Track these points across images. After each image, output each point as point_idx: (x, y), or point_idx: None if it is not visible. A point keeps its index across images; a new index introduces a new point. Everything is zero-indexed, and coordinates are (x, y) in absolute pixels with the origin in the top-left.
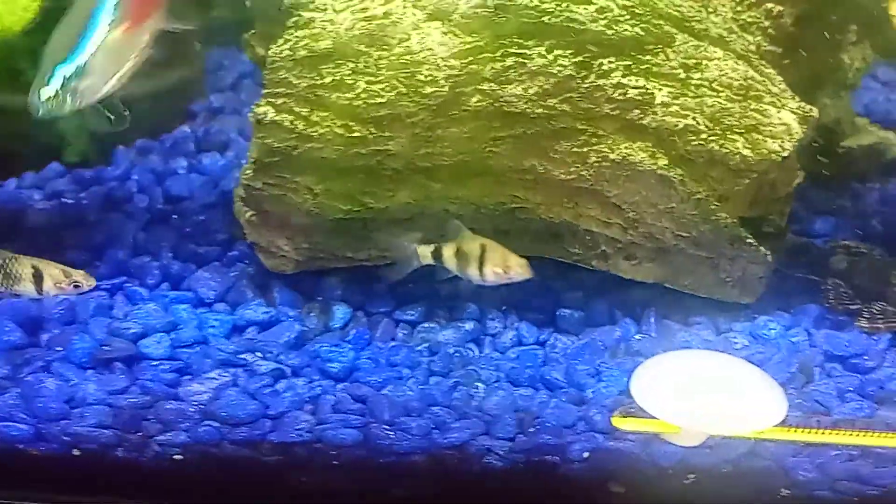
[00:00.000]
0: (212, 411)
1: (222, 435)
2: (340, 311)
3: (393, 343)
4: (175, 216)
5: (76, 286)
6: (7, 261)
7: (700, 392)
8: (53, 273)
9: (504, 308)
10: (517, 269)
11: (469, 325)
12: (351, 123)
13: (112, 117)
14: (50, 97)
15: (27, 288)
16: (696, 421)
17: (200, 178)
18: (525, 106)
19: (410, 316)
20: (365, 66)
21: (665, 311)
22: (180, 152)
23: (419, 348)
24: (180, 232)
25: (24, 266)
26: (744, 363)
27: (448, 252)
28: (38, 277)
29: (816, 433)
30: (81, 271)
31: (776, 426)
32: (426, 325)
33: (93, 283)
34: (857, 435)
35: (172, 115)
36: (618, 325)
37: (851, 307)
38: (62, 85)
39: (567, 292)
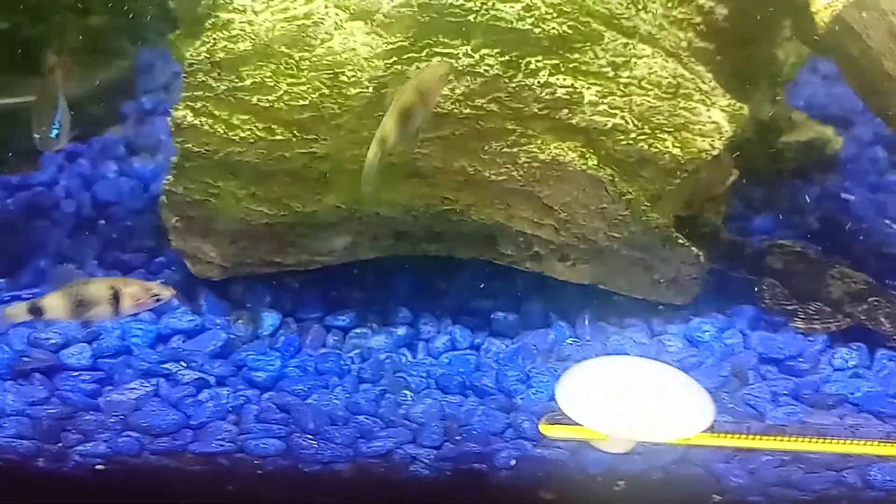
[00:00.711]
0: (133, 421)
1: (142, 445)
2: (269, 318)
3: (323, 350)
4: (102, 221)
5: (157, 300)
6: (79, 286)
7: (625, 398)
8: (133, 291)
9: (438, 312)
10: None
11: (402, 330)
12: (273, 126)
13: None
14: None
15: (103, 311)
16: (622, 428)
17: (130, 182)
18: (452, 106)
19: (342, 321)
20: (286, 68)
21: (599, 314)
22: (110, 156)
23: (350, 355)
24: (107, 238)
25: (99, 288)
26: (669, 368)
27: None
28: (115, 298)
29: (747, 438)
30: (157, 282)
31: (706, 432)
32: (358, 330)
33: (172, 291)
34: (789, 440)
35: (103, 117)
36: (552, 328)
37: (787, 307)
38: None
39: (501, 295)
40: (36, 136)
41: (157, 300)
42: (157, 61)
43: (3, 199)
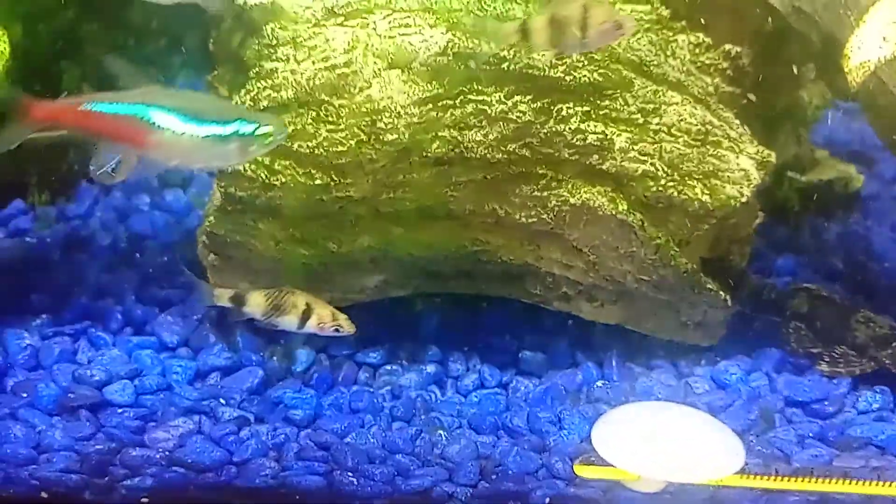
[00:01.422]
0: (177, 457)
1: (188, 480)
2: (303, 355)
3: (355, 387)
4: (137, 255)
5: (337, 330)
6: (283, 293)
7: (659, 441)
8: (322, 313)
9: (466, 349)
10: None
11: (431, 368)
12: (313, 171)
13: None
14: None
15: (290, 321)
16: (655, 469)
17: (164, 217)
18: (485, 151)
19: (373, 358)
20: (326, 115)
21: (627, 354)
22: (142, 188)
23: (381, 391)
24: (143, 273)
25: (298, 300)
26: (701, 414)
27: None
28: (306, 314)
29: (775, 480)
30: (345, 316)
31: (736, 474)
32: (388, 367)
33: (354, 328)
34: (815, 482)
35: None
36: (579, 369)
37: (812, 351)
38: None
39: (529, 334)
40: (93, 168)
41: (337, 330)
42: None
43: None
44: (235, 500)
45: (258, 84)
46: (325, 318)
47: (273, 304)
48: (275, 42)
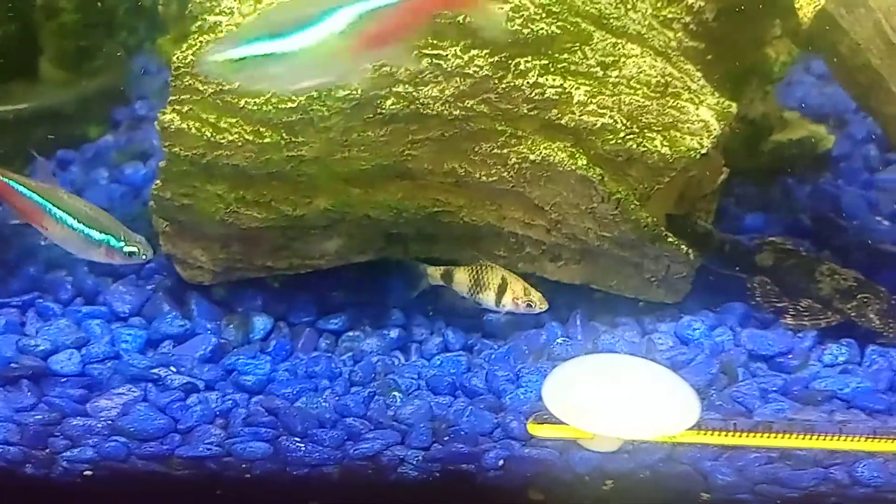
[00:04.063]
0: (120, 426)
1: (130, 450)
2: (261, 322)
3: (315, 353)
4: None
5: (529, 306)
6: (481, 268)
7: (609, 396)
8: (516, 289)
9: (431, 314)
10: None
11: (394, 333)
12: (261, 129)
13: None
14: None
15: (489, 298)
16: (607, 426)
17: (121, 189)
18: (442, 108)
19: (335, 325)
20: None
21: (591, 313)
22: (102, 163)
23: (343, 358)
24: None
25: (495, 276)
26: (655, 365)
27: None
28: (501, 290)
29: (734, 436)
30: (538, 294)
31: (693, 429)
32: (350, 333)
33: (545, 306)
34: (776, 437)
35: (95, 123)
36: (544, 329)
37: (778, 305)
38: None
39: None
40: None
41: (529, 306)
42: (152, 66)
43: None
44: (179, 468)
45: (200, 38)
46: (519, 295)
47: (474, 280)
48: None
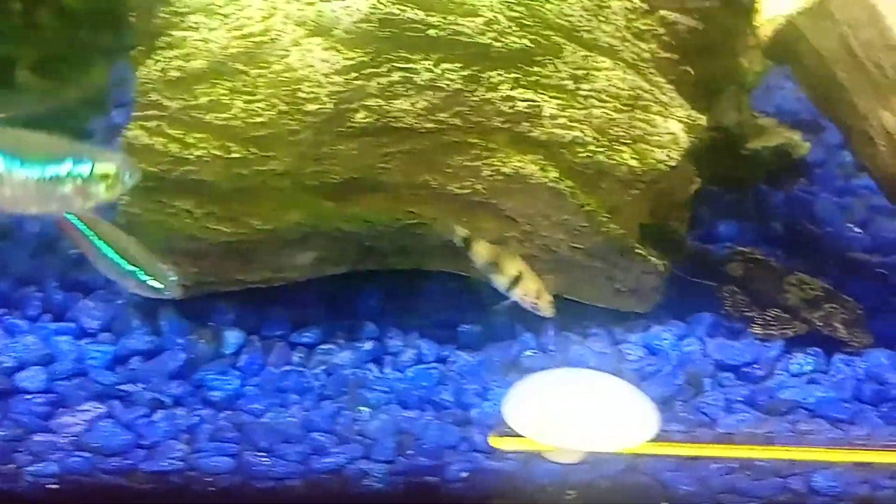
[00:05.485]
0: (83, 442)
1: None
2: (232, 337)
3: (287, 367)
4: (64, 241)
5: (535, 306)
6: (505, 252)
7: (568, 410)
8: (530, 287)
9: (405, 326)
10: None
11: (368, 345)
12: (229, 144)
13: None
14: None
15: (501, 282)
16: (566, 439)
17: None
18: (414, 121)
19: (308, 338)
20: (242, 85)
21: (564, 324)
22: None
23: (315, 371)
24: (65, 258)
25: (514, 266)
26: (613, 378)
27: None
28: (515, 281)
29: (694, 447)
30: (550, 298)
31: (653, 441)
32: (324, 346)
33: (550, 313)
34: (734, 448)
35: (70, 133)
36: (517, 340)
37: (746, 314)
38: None
39: (468, 308)
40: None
41: (535, 306)
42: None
43: None
44: (142, 483)
45: (166, 54)
46: (530, 291)
47: (492, 259)
48: (184, 10)
